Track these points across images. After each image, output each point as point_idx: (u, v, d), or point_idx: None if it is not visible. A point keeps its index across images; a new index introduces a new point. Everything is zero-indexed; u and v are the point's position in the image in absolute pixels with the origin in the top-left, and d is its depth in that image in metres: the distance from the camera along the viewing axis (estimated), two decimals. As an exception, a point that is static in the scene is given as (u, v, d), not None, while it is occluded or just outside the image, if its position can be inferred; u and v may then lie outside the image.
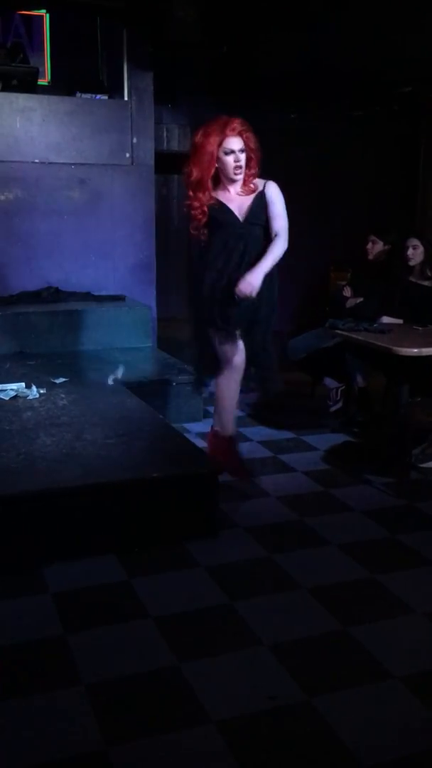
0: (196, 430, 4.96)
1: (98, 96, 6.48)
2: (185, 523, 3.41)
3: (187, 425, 5.01)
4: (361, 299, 5.31)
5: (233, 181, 3.83)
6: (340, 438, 4.90)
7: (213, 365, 4.02)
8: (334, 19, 5.64)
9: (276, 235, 3.79)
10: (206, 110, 7.97)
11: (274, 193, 3.84)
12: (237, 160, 3.73)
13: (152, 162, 6.60)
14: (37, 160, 6.24)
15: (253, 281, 3.68)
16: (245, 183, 3.85)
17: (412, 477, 4.19)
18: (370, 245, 5.41)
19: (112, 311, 6.11)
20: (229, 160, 3.73)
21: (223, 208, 3.83)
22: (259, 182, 3.86)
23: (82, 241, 6.43)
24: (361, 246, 5.52)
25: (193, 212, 3.83)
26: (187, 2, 5.59)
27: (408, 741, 2.18)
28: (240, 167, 3.75)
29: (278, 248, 3.78)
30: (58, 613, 2.82)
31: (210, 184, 3.80)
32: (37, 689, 2.39)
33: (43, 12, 6.44)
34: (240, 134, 3.73)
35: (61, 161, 6.29)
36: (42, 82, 6.45)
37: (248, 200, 3.84)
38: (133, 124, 6.48)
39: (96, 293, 6.39)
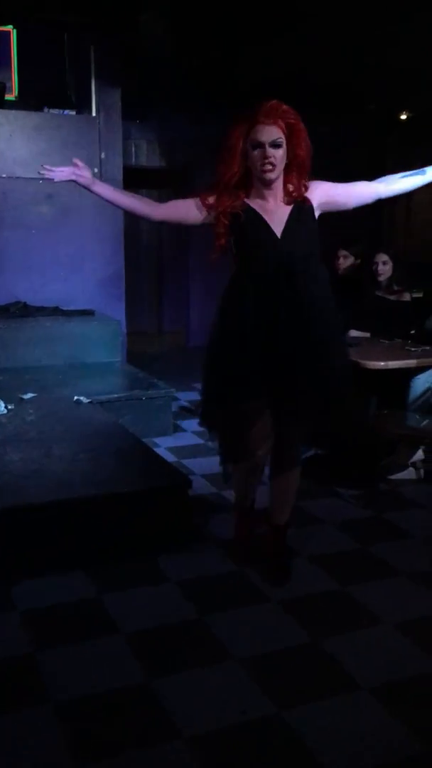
0: (166, 445, 4.94)
1: (66, 111, 6.50)
2: (156, 538, 3.39)
3: (156, 440, 4.99)
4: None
5: (266, 182, 2.82)
6: (309, 450, 4.91)
7: (244, 450, 3.20)
8: (302, 36, 5.73)
9: (369, 185, 2.98)
10: (175, 125, 8.08)
11: (319, 184, 2.92)
12: (266, 156, 2.75)
13: (121, 177, 6.62)
14: (4, 175, 6.23)
15: None
16: (288, 192, 2.87)
17: (380, 488, 4.23)
18: (341, 260, 5.42)
19: (81, 326, 6.09)
20: (256, 154, 2.77)
21: (257, 221, 2.85)
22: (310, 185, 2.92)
23: (50, 255, 6.42)
24: (330, 260, 5.55)
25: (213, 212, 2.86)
26: (155, 17, 5.63)
27: (378, 752, 2.18)
28: (271, 163, 2.75)
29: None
30: (26, 630, 2.78)
31: (234, 190, 2.86)
32: (4, 709, 2.35)
33: (9, 27, 6.44)
34: (276, 123, 2.74)
35: (29, 176, 6.26)
36: (9, 97, 6.44)
37: (288, 210, 2.88)
38: (101, 140, 6.50)
39: (65, 308, 6.37)
